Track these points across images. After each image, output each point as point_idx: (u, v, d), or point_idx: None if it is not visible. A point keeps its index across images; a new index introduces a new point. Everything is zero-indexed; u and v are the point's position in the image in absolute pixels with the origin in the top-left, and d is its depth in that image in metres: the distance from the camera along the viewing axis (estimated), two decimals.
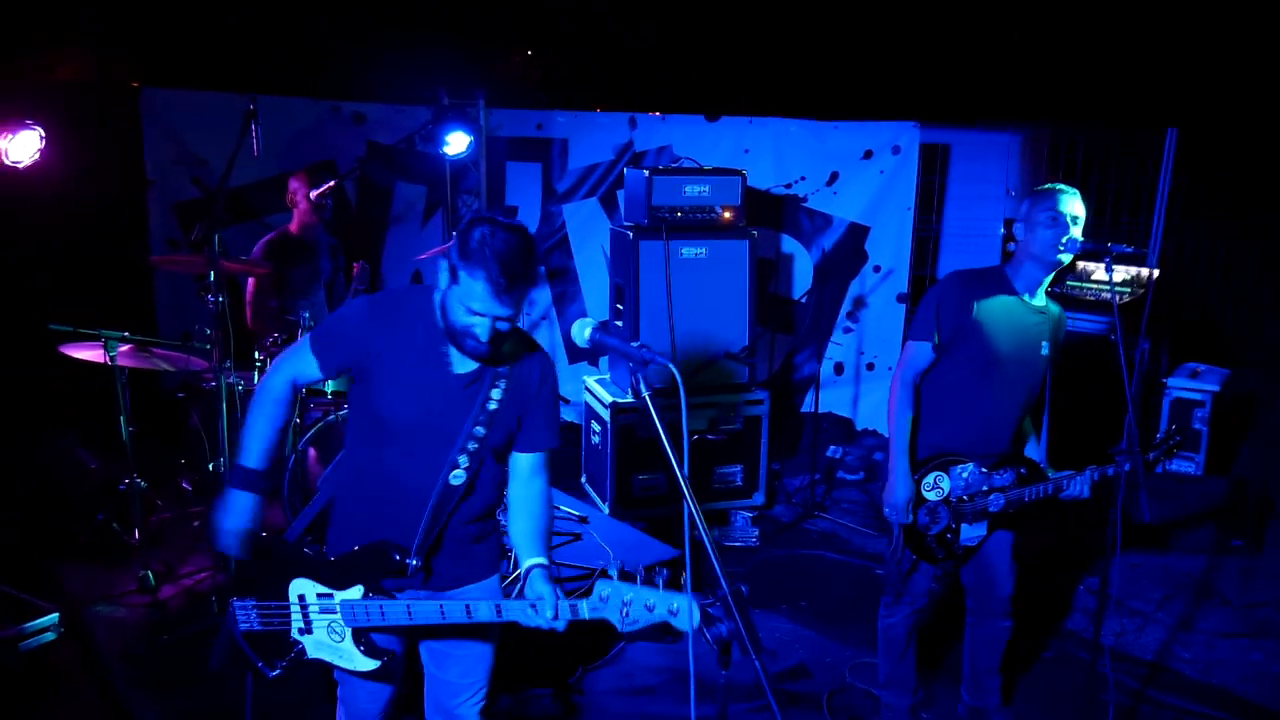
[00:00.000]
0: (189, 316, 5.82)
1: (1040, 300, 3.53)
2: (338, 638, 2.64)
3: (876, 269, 7.25)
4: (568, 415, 7.16)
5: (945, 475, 3.51)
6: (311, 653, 2.69)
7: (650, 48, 8.07)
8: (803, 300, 7.18)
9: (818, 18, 8.18)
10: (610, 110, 7.25)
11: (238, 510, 2.63)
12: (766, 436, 6.00)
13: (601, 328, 2.39)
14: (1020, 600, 3.75)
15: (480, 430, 2.59)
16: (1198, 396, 6.08)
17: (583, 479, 6.30)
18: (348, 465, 2.79)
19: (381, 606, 2.57)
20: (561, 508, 5.73)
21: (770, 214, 7.25)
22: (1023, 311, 3.48)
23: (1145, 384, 6.26)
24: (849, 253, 7.28)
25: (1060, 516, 3.80)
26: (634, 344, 2.29)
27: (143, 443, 4.80)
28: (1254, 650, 4.61)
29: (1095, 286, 6.31)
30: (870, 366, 7.40)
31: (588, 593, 2.40)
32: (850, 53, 8.07)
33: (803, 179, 7.24)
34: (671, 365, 2.19)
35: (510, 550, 3.79)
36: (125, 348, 4.57)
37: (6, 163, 4.85)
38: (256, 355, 4.95)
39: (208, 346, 4.57)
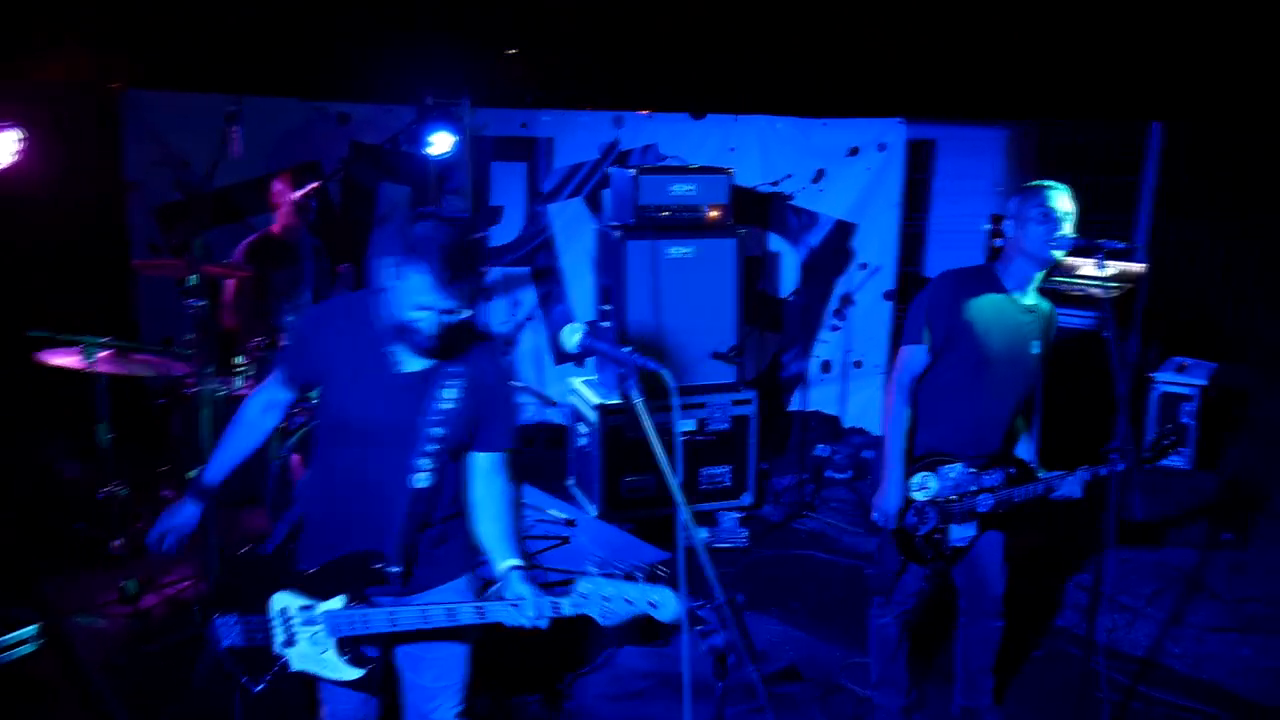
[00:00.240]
0: (171, 320, 5.76)
1: (1031, 298, 3.51)
2: (321, 649, 2.62)
3: (863, 266, 7.23)
4: (554, 417, 7.12)
5: (933, 475, 3.49)
6: (295, 665, 2.66)
7: (635, 46, 8.01)
8: (790, 298, 7.16)
9: (803, 14, 8.14)
10: (595, 109, 7.21)
11: (177, 513, 2.81)
12: (755, 436, 5.98)
13: (591, 333, 2.38)
14: (1011, 599, 3.74)
15: (439, 431, 2.59)
16: (1185, 391, 6.09)
17: (570, 481, 6.26)
18: (316, 474, 2.79)
19: (365, 615, 2.57)
20: (549, 511, 5.69)
21: (757, 212, 7.23)
22: (1013, 310, 3.47)
23: (1133, 379, 6.26)
24: (836, 250, 7.26)
25: (1050, 516, 3.77)
26: (625, 349, 2.26)
27: (123, 449, 4.74)
28: (1243, 645, 4.63)
29: (1082, 281, 6.29)
30: (858, 364, 7.38)
31: (568, 590, 2.42)
32: (836, 49, 8.03)
33: (789, 177, 7.22)
34: (664, 371, 2.16)
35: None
36: (104, 353, 4.50)
37: None
38: (239, 360, 4.88)
39: (189, 352, 4.51)
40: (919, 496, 3.49)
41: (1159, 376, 6.13)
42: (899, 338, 3.62)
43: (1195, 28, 6.92)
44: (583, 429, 5.99)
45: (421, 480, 2.60)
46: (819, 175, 7.17)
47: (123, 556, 4.63)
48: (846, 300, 7.29)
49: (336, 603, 2.59)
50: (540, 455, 6.72)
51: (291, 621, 2.63)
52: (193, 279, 4.32)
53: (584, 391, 5.97)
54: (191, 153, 6.41)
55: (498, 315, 7.34)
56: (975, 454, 3.51)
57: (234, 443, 2.81)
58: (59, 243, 6.02)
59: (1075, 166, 6.81)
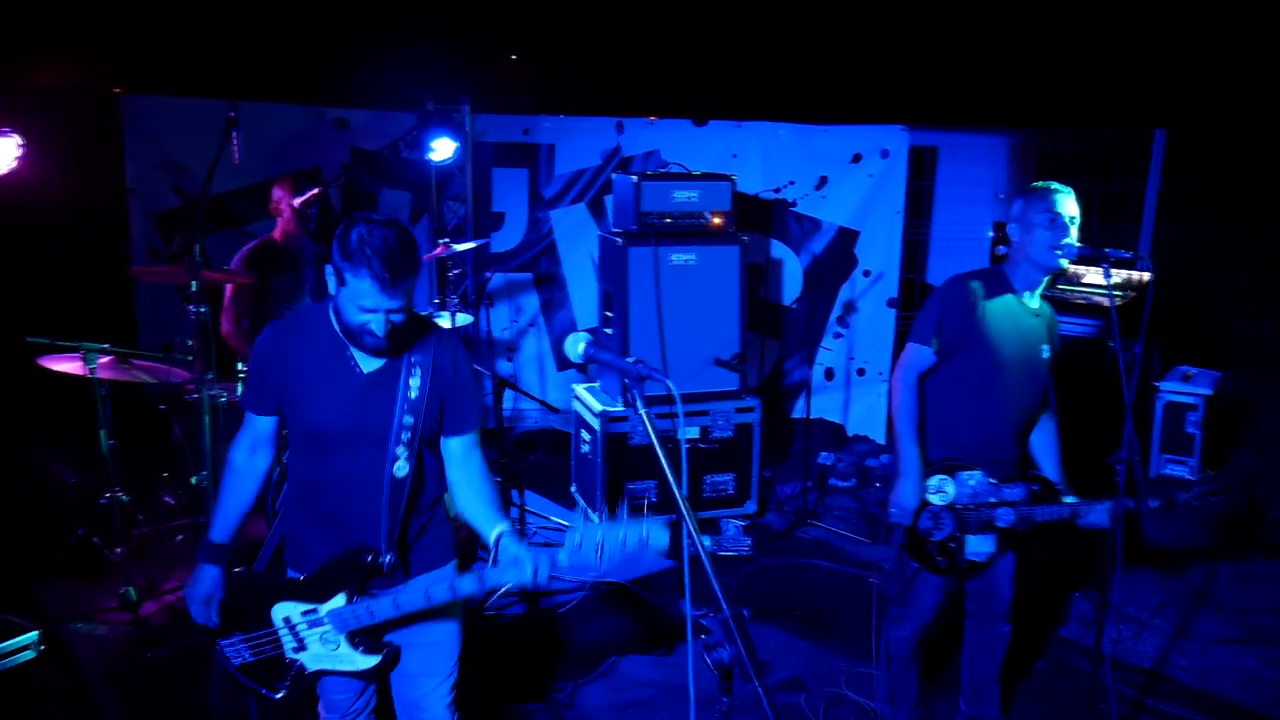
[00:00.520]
0: (171, 327, 5.73)
1: (1036, 302, 3.48)
2: (333, 645, 2.69)
3: (866, 273, 7.21)
4: (557, 424, 7.10)
5: (951, 480, 3.44)
6: (312, 667, 2.72)
7: (637, 52, 8.01)
8: (793, 306, 7.14)
9: (805, 21, 8.13)
10: (598, 115, 7.20)
11: (200, 581, 2.77)
12: (758, 444, 5.95)
13: (595, 343, 2.36)
14: (1017, 610, 3.71)
15: (409, 419, 2.64)
16: (1190, 400, 6.06)
17: (572, 488, 6.24)
18: (295, 485, 2.81)
19: (369, 607, 2.63)
20: (551, 518, 5.68)
21: (759, 219, 7.21)
22: (1023, 313, 3.44)
23: (1138, 388, 6.23)
24: (839, 257, 7.25)
25: (1056, 534, 3.73)
26: (629, 359, 2.25)
27: (124, 456, 4.72)
28: (1248, 656, 4.59)
29: (1087, 290, 6.27)
30: (861, 372, 7.36)
31: (562, 543, 2.43)
32: (838, 56, 8.02)
33: (791, 183, 7.21)
34: (668, 382, 2.15)
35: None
36: (105, 359, 4.48)
37: None
38: (240, 366, 4.86)
39: (189, 358, 4.49)
40: (935, 500, 3.44)
41: (1164, 385, 6.11)
42: (903, 345, 3.59)
43: (1198, 33, 6.91)
44: (585, 436, 5.97)
45: (400, 469, 2.65)
46: (821, 182, 7.16)
47: (123, 563, 4.59)
48: (849, 307, 7.29)
49: (338, 601, 2.65)
50: (543, 462, 6.70)
51: (297, 627, 2.69)
52: (192, 285, 4.30)
53: (586, 398, 5.94)
54: (191, 158, 6.42)
55: (500, 321, 7.33)
56: (991, 461, 3.47)
57: (232, 495, 2.80)
58: (60, 248, 6.00)
59: (1078, 173, 6.80)
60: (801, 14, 8.00)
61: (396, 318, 2.51)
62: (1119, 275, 6.38)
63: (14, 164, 4.80)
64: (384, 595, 2.63)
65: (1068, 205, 3.34)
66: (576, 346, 2.38)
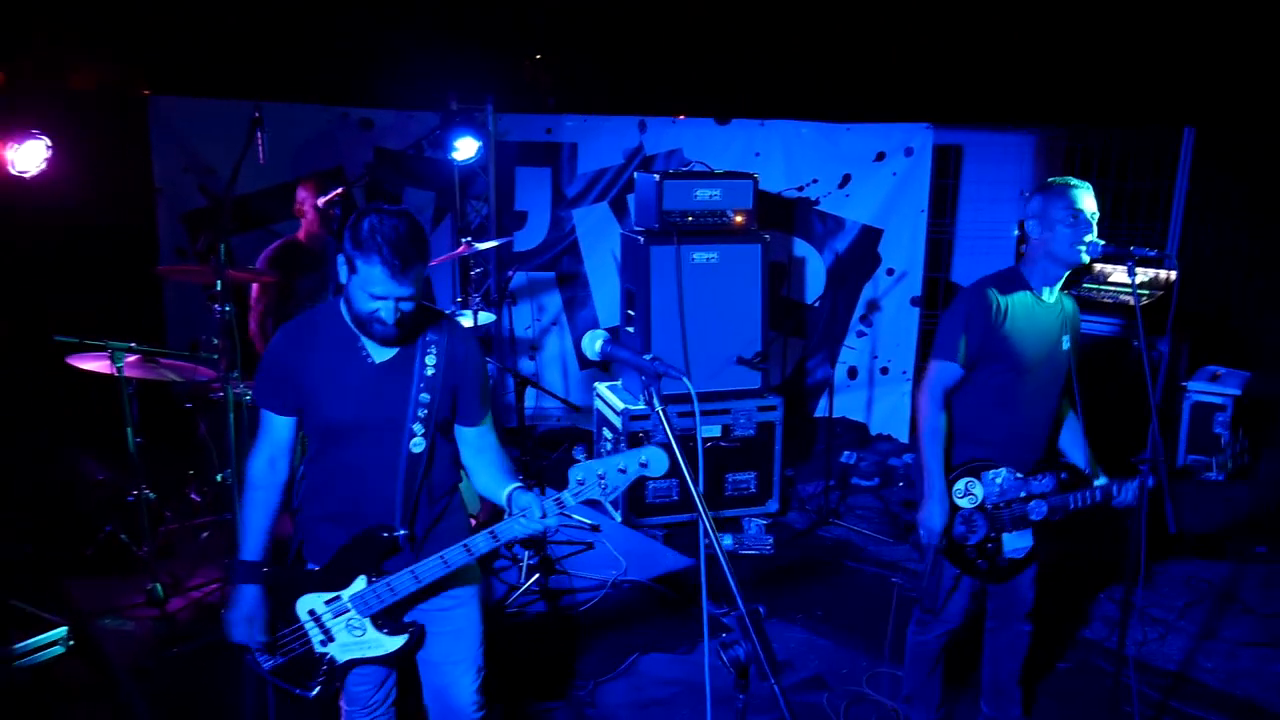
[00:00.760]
0: (198, 325, 5.80)
1: (1054, 296, 3.44)
2: (359, 632, 2.74)
3: (890, 272, 7.18)
4: (579, 422, 7.11)
5: (977, 481, 3.41)
6: (342, 658, 2.77)
7: (660, 51, 8.02)
8: (816, 304, 7.12)
9: (828, 19, 8.11)
10: (620, 114, 7.21)
11: (240, 602, 2.74)
12: (780, 443, 5.94)
13: (613, 340, 2.38)
14: (1039, 611, 3.68)
15: (425, 396, 2.70)
16: (1218, 400, 5.99)
17: (570, 471, 6.24)
18: (314, 479, 2.82)
19: (389, 584, 2.68)
20: (574, 516, 5.69)
21: (782, 217, 7.20)
22: (1042, 311, 3.41)
23: (1165, 388, 6.17)
24: (862, 255, 7.22)
25: (1080, 525, 3.70)
26: (646, 356, 2.25)
27: (151, 453, 4.77)
28: (1276, 660, 4.54)
29: (1113, 289, 6.21)
30: (884, 370, 7.33)
31: (566, 485, 2.53)
32: (862, 54, 8.00)
33: (815, 181, 7.18)
34: (686, 380, 2.15)
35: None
36: (132, 358, 4.54)
37: (13, 172, 4.82)
38: None
39: (215, 356, 4.53)
40: (964, 504, 3.41)
41: (1192, 385, 6.04)
42: (927, 344, 3.56)
43: (1227, 32, 6.84)
44: (607, 434, 5.98)
45: (417, 445, 2.70)
46: (845, 180, 7.13)
47: (150, 560, 4.65)
48: (873, 306, 7.26)
49: (359, 584, 2.70)
50: (565, 460, 6.72)
51: (322, 618, 2.72)
52: (217, 285, 4.34)
53: (608, 397, 5.95)
54: (217, 159, 6.48)
55: (522, 320, 7.35)
56: (1021, 458, 3.43)
57: (258, 511, 2.78)
58: (89, 247, 6.07)
59: (1106, 172, 6.74)
60: (825, 12, 7.98)
61: (406, 306, 2.56)
62: (1146, 274, 6.32)
63: (43, 165, 4.88)
64: (402, 570, 2.68)
65: (1088, 201, 3.31)
66: (594, 344, 2.39)
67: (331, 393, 2.67)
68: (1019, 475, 3.42)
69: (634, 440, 5.65)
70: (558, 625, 4.71)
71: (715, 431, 5.79)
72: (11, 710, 3.73)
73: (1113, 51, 7.40)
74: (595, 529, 5.31)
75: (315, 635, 2.74)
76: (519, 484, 2.70)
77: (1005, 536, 3.43)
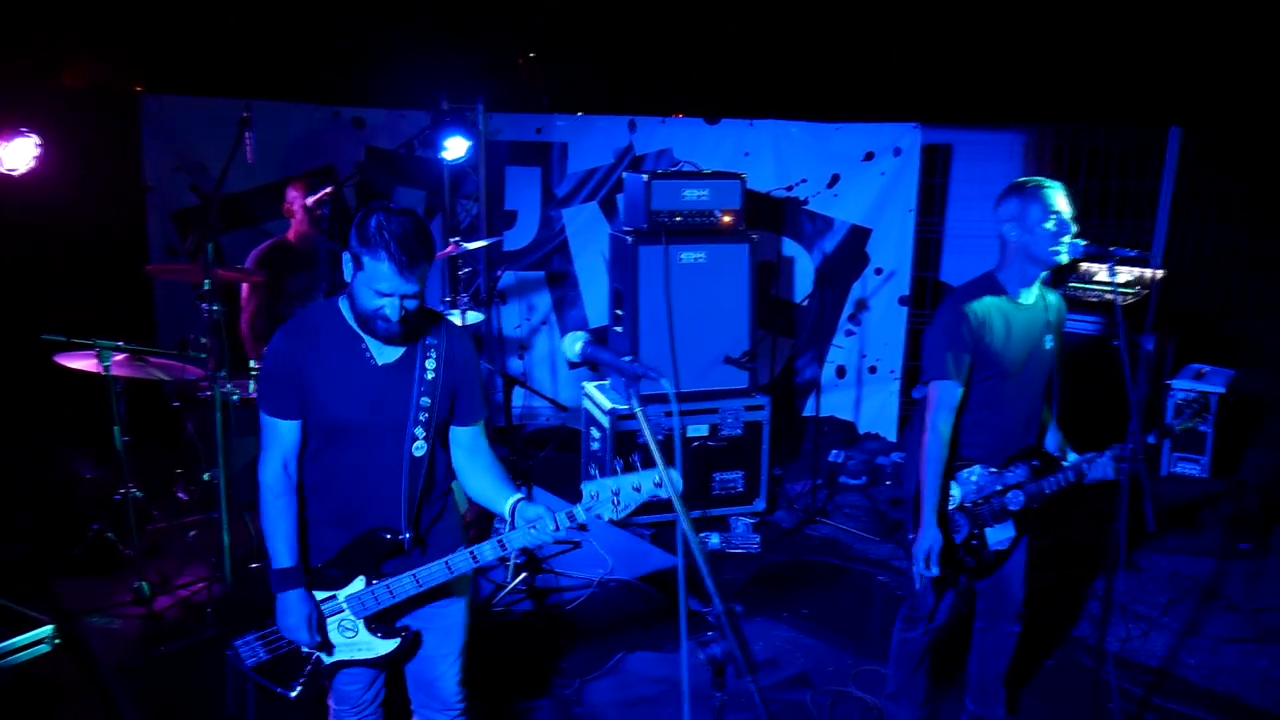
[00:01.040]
0: (188, 324, 5.79)
1: (1032, 297, 3.44)
2: (351, 634, 2.75)
3: (878, 271, 7.21)
4: (568, 421, 7.13)
5: (953, 482, 3.44)
6: (329, 658, 2.78)
7: (650, 51, 8.03)
8: (804, 303, 7.14)
9: (817, 19, 8.13)
10: (610, 114, 7.22)
11: (289, 607, 2.70)
12: (768, 442, 5.96)
13: (593, 342, 2.40)
14: (1027, 606, 3.71)
15: (426, 400, 2.72)
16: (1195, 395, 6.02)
17: (582, 485, 6.25)
18: (312, 476, 2.81)
19: (388, 586, 2.70)
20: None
21: (771, 217, 7.22)
22: (1021, 315, 3.41)
23: (1150, 385, 6.20)
24: (851, 255, 7.24)
25: (1065, 521, 3.72)
26: (625, 358, 2.28)
27: (139, 452, 4.78)
28: (1260, 656, 4.57)
29: (1098, 288, 6.25)
30: (873, 370, 7.36)
31: (580, 499, 2.57)
32: (851, 54, 8.02)
33: (804, 181, 7.20)
34: (664, 381, 2.18)
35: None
36: (119, 357, 4.54)
37: (2, 170, 4.82)
38: (253, 365, 4.91)
39: (203, 355, 4.54)
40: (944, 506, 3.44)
41: (1176, 383, 6.07)
42: (915, 343, 3.58)
43: (1215, 32, 6.87)
44: (595, 434, 5.99)
45: (419, 449, 2.73)
46: (834, 180, 7.16)
47: (137, 558, 4.66)
48: (861, 305, 7.28)
49: (357, 585, 2.71)
50: (553, 459, 6.73)
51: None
52: (205, 284, 4.35)
53: (597, 396, 5.97)
54: (208, 157, 6.48)
55: (511, 320, 7.37)
56: (1009, 457, 3.45)
57: (283, 518, 2.73)
58: (79, 246, 6.08)
59: (1093, 171, 6.77)
60: (813, 12, 8.00)
61: (410, 304, 2.58)
62: (1131, 273, 6.36)
63: (32, 163, 4.88)
64: (404, 574, 2.70)
65: (1063, 202, 3.31)
66: (575, 346, 2.41)
67: (335, 393, 2.67)
68: (993, 470, 3.45)
69: (621, 440, 5.67)
70: (544, 624, 4.73)
71: (703, 431, 5.81)
72: None
73: (1100, 51, 7.43)
74: (583, 528, 5.32)
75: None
76: (521, 495, 2.72)
77: (988, 530, 3.46)
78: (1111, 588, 3.48)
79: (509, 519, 2.68)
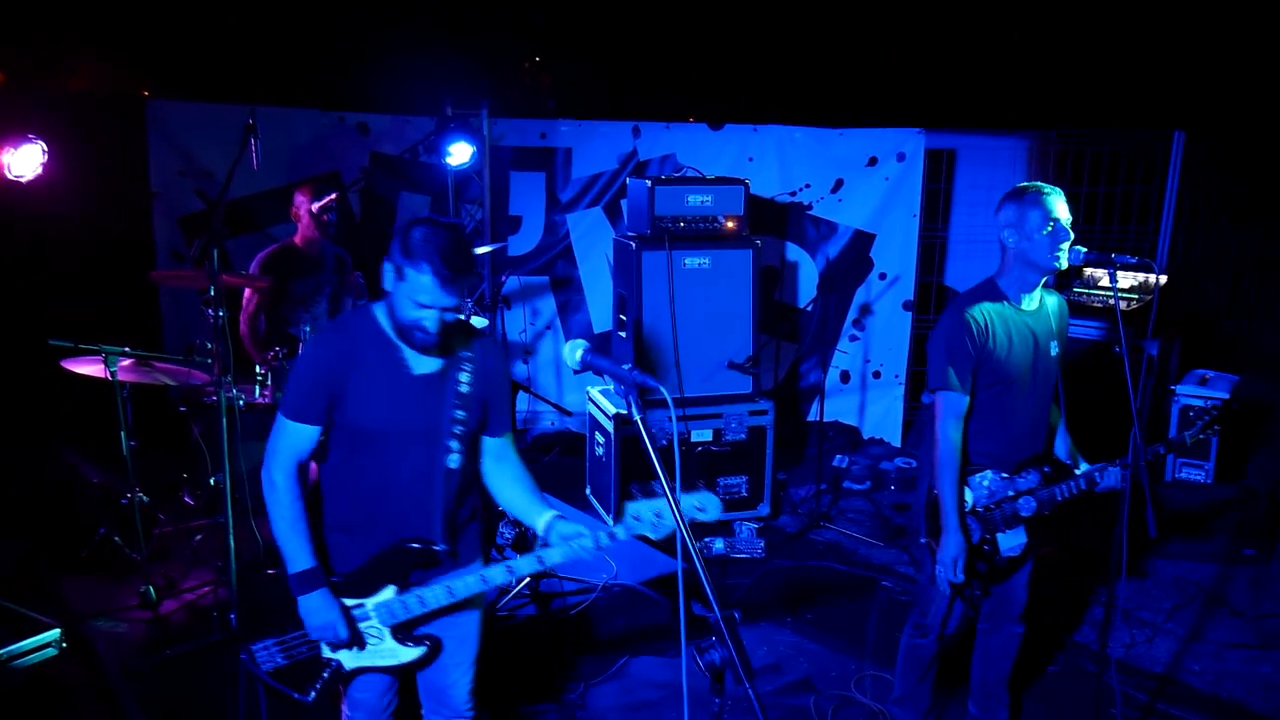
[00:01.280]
0: (194, 330, 5.84)
1: (1034, 302, 3.45)
2: (376, 641, 2.76)
3: (882, 276, 7.22)
4: (572, 426, 7.15)
5: (965, 486, 3.44)
6: (350, 665, 2.79)
7: (654, 56, 8.05)
8: (808, 308, 7.15)
9: (821, 25, 8.15)
10: (614, 119, 7.24)
11: (317, 608, 2.68)
12: (772, 447, 5.97)
13: (593, 350, 2.42)
14: (1029, 614, 3.72)
15: (461, 414, 2.74)
16: (1207, 404, 6.01)
17: (587, 490, 6.28)
18: (339, 482, 2.80)
19: (419, 596, 2.71)
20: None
21: (775, 222, 7.23)
22: (1023, 320, 3.41)
23: (1154, 391, 6.20)
24: (854, 260, 7.25)
25: (1069, 525, 3.72)
26: (624, 366, 2.29)
27: (146, 457, 4.80)
28: (1264, 662, 4.57)
29: (1102, 293, 6.25)
30: (877, 374, 7.36)
31: (622, 518, 2.60)
32: (854, 59, 8.04)
33: (807, 186, 7.22)
34: (663, 388, 2.19)
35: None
36: (126, 362, 4.57)
37: (9, 176, 4.86)
38: (258, 370, 4.94)
39: (209, 360, 4.56)
40: None
41: (1180, 389, 6.06)
42: (919, 348, 3.58)
43: (1218, 36, 6.87)
44: (599, 439, 6.00)
45: (453, 461, 2.74)
46: (838, 185, 7.17)
47: (144, 562, 4.68)
48: (865, 310, 7.29)
49: (387, 593, 2.72)
50: (558, 464, 6.75)
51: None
52: (210, 289, 4.37)
53: (601, 401, 5.98)
54: (214, 162, 6.51)
55: (516, 324, 7.38)
56: (1019, 461, 3.46)
57: (299, 520, 2.70)
58: (86, 251, 6.11)
59: (1098, 176, 6.77)
60: (817, 17, 8.01)
61: (450, 316, 2.60)
62: (1136, 279, 6.35)
63: (39, 170, 4.91)
64: (436, 583, 2.71)
65: (1062, 208, 3.31)
66: (575, 354, 2.42)
67: (370, 400, 2.67)
68: (1004, 475, 3.45)
69: (626, 445, 5.68)
70: (549, 628, 4.73)
71: (707, 435, 5.83)
72: (4, 712, 3.76)
73: (1104, 56, 7.44)
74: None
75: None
76: (557, 512, 2.76)
77: (1000, 536, 3.46)
78: (1114, 594, 3.49)
79: (543, 534, 2.71)
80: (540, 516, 2.76)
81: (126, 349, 4.55)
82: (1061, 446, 3.65)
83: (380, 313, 2.71)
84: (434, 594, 2.71)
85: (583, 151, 7.24)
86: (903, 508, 6.32)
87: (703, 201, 5.79)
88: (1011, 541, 3.47)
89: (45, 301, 5.89)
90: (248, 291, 5.32)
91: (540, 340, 7.47)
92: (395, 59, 7.58)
